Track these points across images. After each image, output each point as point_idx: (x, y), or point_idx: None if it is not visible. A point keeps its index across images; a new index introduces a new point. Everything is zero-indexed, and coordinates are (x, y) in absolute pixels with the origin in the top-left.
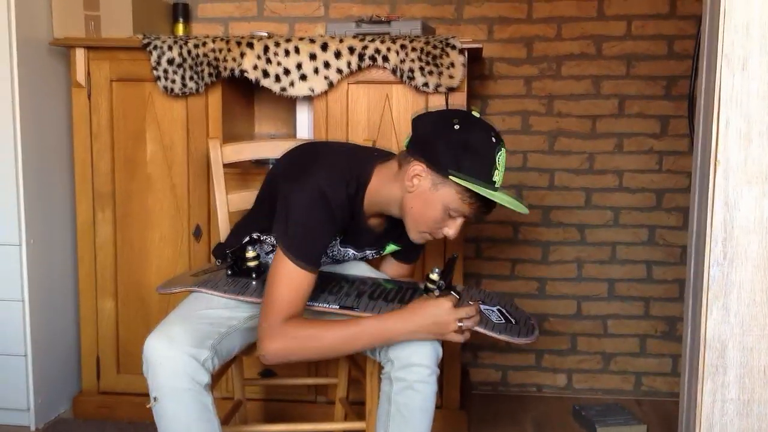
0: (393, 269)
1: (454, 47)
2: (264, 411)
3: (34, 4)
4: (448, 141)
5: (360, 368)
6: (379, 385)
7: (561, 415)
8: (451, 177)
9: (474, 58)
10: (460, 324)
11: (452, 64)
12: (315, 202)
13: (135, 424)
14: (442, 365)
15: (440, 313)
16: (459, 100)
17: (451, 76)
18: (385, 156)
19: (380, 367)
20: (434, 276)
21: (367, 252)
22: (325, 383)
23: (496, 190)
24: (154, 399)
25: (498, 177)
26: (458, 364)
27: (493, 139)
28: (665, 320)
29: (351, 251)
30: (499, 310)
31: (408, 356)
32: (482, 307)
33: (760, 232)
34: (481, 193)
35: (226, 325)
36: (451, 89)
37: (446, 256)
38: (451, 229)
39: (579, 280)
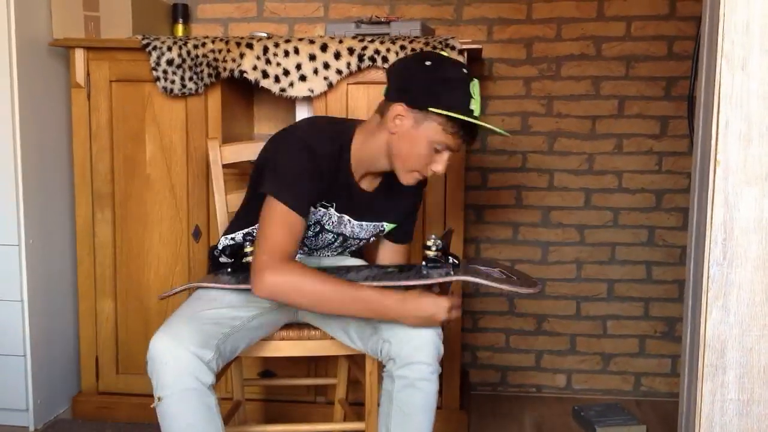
0: (389, 252)
1: (453, 48)
2: (263, 411)
3: (33, 4)
4: (423, 78)
5: (359, 368)
6: (379, 385)
7: (560, 416)
8: (430, 110)
9: (473, 58)
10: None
11: None
12: (299, 151)
13: (134, 425)
14: (442, 365)
15: (437, 312)
16: None
17: None
18: (359, 121)
19: (381, 366)
20: (430, 241)
21: (365, 225)
22: (325, 384)
23: (475, 118)
24: (159, 398)
25: (475, 106)
26: (458, 365)
27: (465, 71)
28: (665, 321)
29: (351, 221)
30: (500, 270)
31: (410, 354)
32: (482, 267)
33: (760, 232)
34: (462, 119)
35: (230, 325)
36: None
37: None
38: (439, 164)
39: (578, 280)
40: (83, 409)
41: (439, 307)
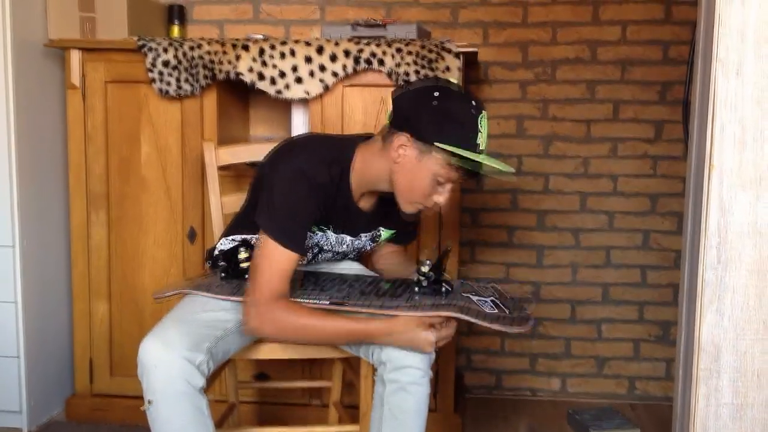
0: (387, 252)
1: (449, 51)
2: (258, 414)
3: (29, 5)
4: (429, 111)
5: (354, 371)
6: (373, 388)
7: (555, 419)
8: (436, 144)
9: (469, 62)
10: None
11: (448, 68)
12: (295, 182)
13: (128, 427)
14: (437, 369)
15: (423, 345)
16: None
17: None
18: (366, 138)
19: (374, 370)
20: (424, 269)
21: (363, 237)
22: (319, 386)
23: (480, 152)
24: (149, 402)
25: (482, 140)
26: (452, 368)
27: (474, 104)
28: (659, 324)
29: (347, 238)
30: (492, 300)
31: (401, 358)
32: (475, 298)
33: (754, 236)
34: (465, 156)
35: (222, 327)
36: None
37: (441, 248)
38: (441, 197)
39: (573, 284)
40: (77, 411)
41: (425, 341)
